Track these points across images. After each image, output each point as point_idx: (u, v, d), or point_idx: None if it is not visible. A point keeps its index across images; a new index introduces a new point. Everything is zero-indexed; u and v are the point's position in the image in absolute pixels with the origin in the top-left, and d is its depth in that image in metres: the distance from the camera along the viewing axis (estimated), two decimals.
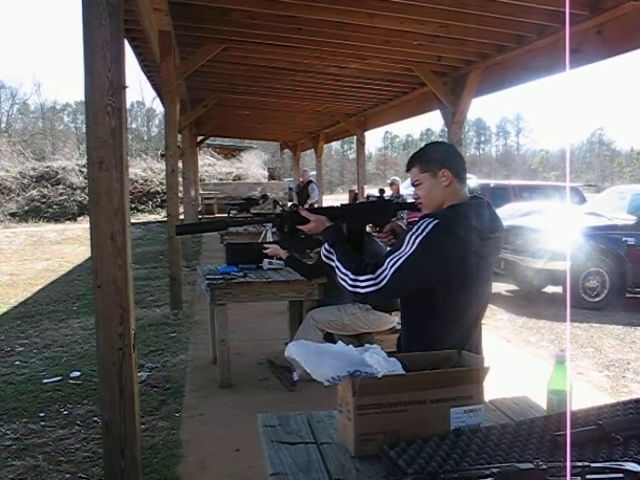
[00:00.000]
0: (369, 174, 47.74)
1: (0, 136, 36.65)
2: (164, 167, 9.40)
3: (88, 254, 10.16)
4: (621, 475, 1.27)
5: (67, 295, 8.61)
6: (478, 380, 1.64)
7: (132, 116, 62.65)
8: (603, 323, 7.31)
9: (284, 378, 4.64)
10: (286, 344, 2.28)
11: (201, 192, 21.74)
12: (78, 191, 23.50)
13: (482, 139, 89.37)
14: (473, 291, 2.15)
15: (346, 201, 19.25)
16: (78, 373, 5.14)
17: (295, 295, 4.93)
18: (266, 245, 5.19)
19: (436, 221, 2.05)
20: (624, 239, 8.12)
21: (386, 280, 2.04)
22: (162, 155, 25.35)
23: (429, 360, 1.76)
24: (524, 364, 5.58)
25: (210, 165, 28.60)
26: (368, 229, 2.55)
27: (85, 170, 20.81)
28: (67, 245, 15.00)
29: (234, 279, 4.81)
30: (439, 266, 2.06)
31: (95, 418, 4.13)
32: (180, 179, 11.13)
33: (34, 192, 23.54)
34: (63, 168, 24.95)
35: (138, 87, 53.97)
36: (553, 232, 8.07)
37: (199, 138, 20.27)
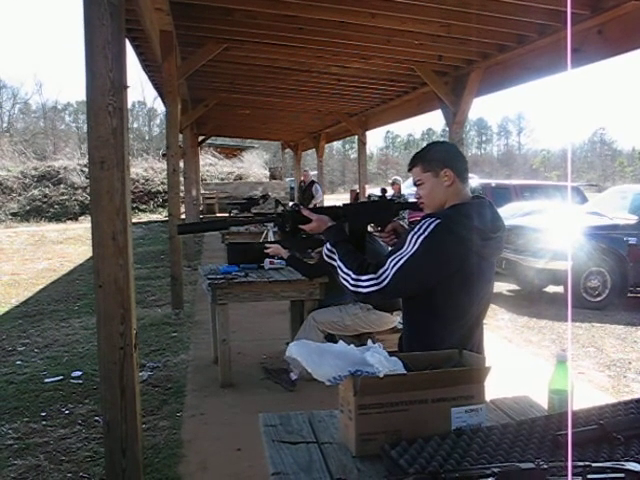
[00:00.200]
0: (370, 174, 47.75)
1: (2, 136, 36.72)
2: (165, 167, 9.41)
3: (89, 254, 10.17)
4: (622, 475, 1.27)
5: (68, 295, 8.62)
6: (479, 380, 1.64)
7: (133, 116, 62.70)
8: (604, 323, 7.30)
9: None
10: (287, 344, 2.28)
11: (202, 192, 21.76)
12: (79, 191, 23.53)
13: (483, 139, 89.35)
14: (475, 291, 2.15)
15: (347, 201, 19.25)
16: (79, 373, 5.14)
17: (296, 295, 4.93)
18: (267, 245, 5.19)
19: (438, 221, 2.05)
20: (625, 239, 8.12)
21: (388, 280, 2.04)
22: (163, 155, 25.35)
23: (430, 360, 1.76)
24: (525, 364, 5.58)
25: (211, 165, 28.62)
26: (370, 229, 2.54)
27: (86, 170, 20.82)
28: (68, 245, 15.01)
29: (235, 279, 4.81)
30: (441, 266, 2.06)
31: (96, 417, 4.13)
32: (181, 179, 11.13)
33: (35, 192, 23.57)
34: (64, 168, 24.97)
35: (139, 87, 54.15)
36: (554, 232, 8.07)
37: (200, 138, 20.28)
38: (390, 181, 14.18)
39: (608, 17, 5.40)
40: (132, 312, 2.83)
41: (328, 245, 2.24)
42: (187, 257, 10.90)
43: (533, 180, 25.72)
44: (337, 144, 69.14)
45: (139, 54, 9.03)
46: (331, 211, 2.37)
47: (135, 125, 62.12)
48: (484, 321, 2.30)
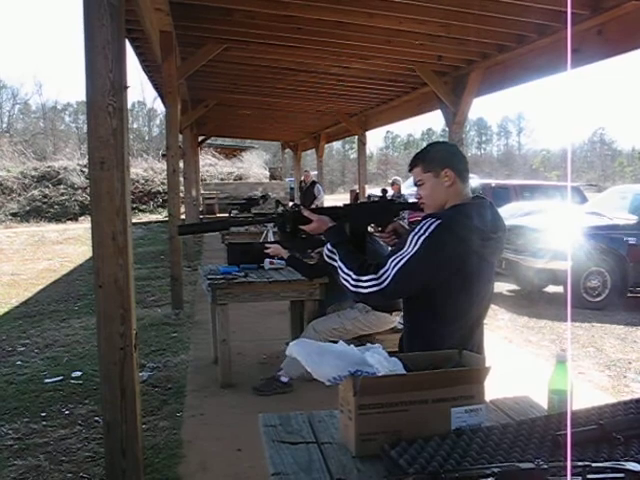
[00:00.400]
0: (370, 174, 47.76)
1: (1, 136, 36.70)
2: (165, 167, 9.40)
3: (89, 254, 10.16)
4: (622, 475, 1.27)
5: (68, 295, 8.62)
6: (479, 380, 1.64)
7: (133, 116, 62.70)
8: (604, 323, 7.31)
9: (276, 388, 4.59)
10: (287, 344, 2.28)
11: (202, 192, 21.76)
12: (79, 191, 23.52)
13: (483, 139, 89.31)
14: (475, 291, 2.15)
15: (347, 201, 19.25)
16: (79, 373, 5.14)
17: (296, 295, 4.93)
18: (267, 245, 5.19)
19: (439, 221, 2.05)
20: (625, 239, 8.12)
21: (388, 280, 2.04)
22: (163, 155, 25.35)
23: (430, 360, 1.76)
24: (525, 364, 5.58)
25: (211, 165, 28.62)
26: (370, 229, 2.54)
27: (86, 170, 20.83)
28: (68, 245, 15.01)
29: (235, 279, 4.82)
30: (442, 266, 2.06)
31: (96, 418, 4.13)
32: (181, 179, 11.14)
33: (35, 192, 23.56)
34: (64, 168, 24.97)
35: (139, 87, 54.02)
36: (554, 232, 8.07)
37: (200, 138, 20.29)
38: (390, 181, 14.18)
39: (608, 17, 5.40)
40: (132, 312, 2.83)
41: (329, 246, 2.24)
42: (187, 257, 10.91)
43: (533, 180, 25.72)
44: (337, 144, 69.18)
45: (139, 54, 9.04)
46: (332, 211, 2.37)
47: (135, 125, 62.13)
48: (484, 321, 2.30)
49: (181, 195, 10.68)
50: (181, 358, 5.55)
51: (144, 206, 24.57)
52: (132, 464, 2.86)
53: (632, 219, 8.30)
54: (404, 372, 1.65)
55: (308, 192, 15.19)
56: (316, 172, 19.38)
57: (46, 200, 23.31)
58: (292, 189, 24.10)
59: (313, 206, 10.48)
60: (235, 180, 27.15)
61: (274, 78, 10.16)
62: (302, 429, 1.74)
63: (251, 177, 27.94)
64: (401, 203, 2.64)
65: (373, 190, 18.30)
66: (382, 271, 2.06)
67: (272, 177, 28.99)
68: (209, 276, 4.88)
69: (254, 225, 8.99)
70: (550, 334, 6.79)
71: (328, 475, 1.47)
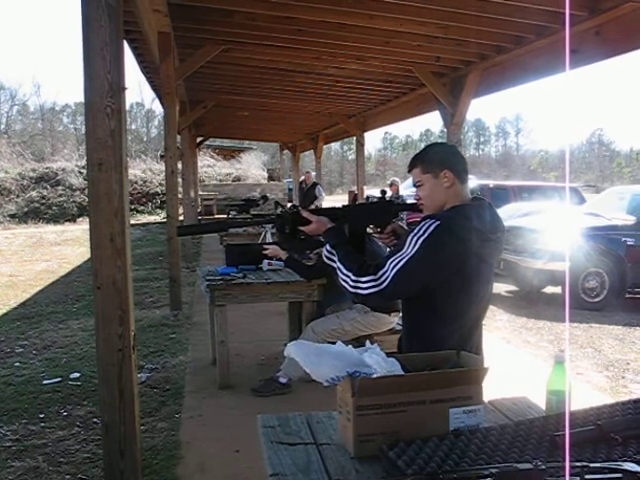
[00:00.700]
0: (368, 175, 47.77)
1: (0, 137, 36.66)
2: (163, 168, 9.42)
3: (87, 255, 10.14)
4: (620, 475, 1.28)
5: (66, 296, 8.61)
6: (477, 380, 1.65)
7: (131, 117, 62.67)
8: (602, 323, 7.31)
9: (275, 389, 4.59)
10: (285, 345, 2.28)
11: (201, 193, 21.74)
12: (77, 192, 23.50)
13: (481, 140, 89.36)
14: (474, 292, 2.16)
15: (346, 202, 19.26)
16: (78, 374, 5.14)
17: (294, 296, 4.93)
18: (266, 246, 5.19)
19: (438, 222, 2.05)
20: (623, 239, 8.13)
21: (387, 281, 2.04)
22: (161, 156, 25.34)
23: (428, 361, 1.77)
24: (523, 364, 5.58)
25: (209, 166, 28.60)
26: (369, 230, 2.55)
27: (84, 171, 20.79)
28: (66, 246, 15.00)
29: (234, 280, 4.82)
30: (441, 267, 2.06)
31: (95, 419, 4.13)
32: (179, 180, 11.13)
33: (33, 193, 23.55)
34: (62, 169, 24.95)
35: (137, 88, 54.08)
36: (552, 233, 8.07)
37: (198, 139, 20.27)
38: (388, 182, 14.19)
39: (606, 18, 5.41)
40: (130, 314, 2.83)
41: (328, 247, 2.24)
42: (185, 258, 10.90)
43: (531, 181, 25.75)
44: (335, 145, 69.21)
45: (137, 55, 9.03)
46: (331, 212, 2.37)
47: (133, 126, 62.10)
48: (483, 322, 2.30)
49: (179, 196, 10.67)
50: (179, 359, 5.55)
51: (142, 207, 24.56)
52: (130, 465, 2.85)
53: (630, 220, 8.30)
54: (402, 373, 1.65)
55: (309, 193, 15.17)
56: (314, 173, 19.39)
57: (44, 201, 23.29)
58: (290, 190, 24.09)
59: (313, 206, 10.47)
60: (233, 181, 27.13)
61: (273, 79, 10.16)
62: (300, 430, 1.74)
63: (249, 178, 27.93)
64: (400, 204, 2.64)
65: (372, 191, 18.30)
66: (381, 272, 2.06)
67: (270, 178, 28.96)
68: (207, 277, 4.88)
69: (252, 226, 8.99)
70: (548, 335, 6.80)
71: (326, 476, 1.47)
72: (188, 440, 3.86)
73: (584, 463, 1.30)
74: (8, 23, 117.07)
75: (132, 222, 14.01)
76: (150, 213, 24.31)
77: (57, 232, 18.18)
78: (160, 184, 24.51)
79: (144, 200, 24.91)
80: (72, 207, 23.10)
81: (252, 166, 29.85)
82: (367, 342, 1.81)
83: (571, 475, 1.24)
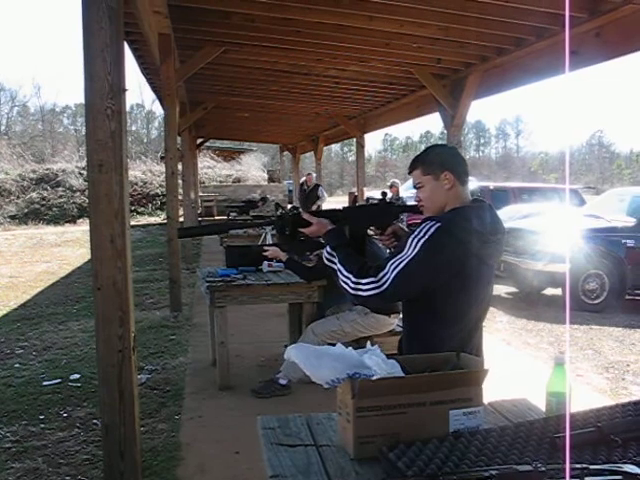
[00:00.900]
0: (369, 176, 47.75)
1: (0, 139, 36.68)
2: (164, 169, 9.42)
3: (87, 256, 10.12)
4: (620, 477, 1.28)
5: (67, 297, 8.61)
6: (477, 382, 1.65)
7: (132, 118, 62.68)
8: (602, 325, 7.31)
9: (275, 390, 4.58)
10: (285, 346, 2.29)
11: (201, 194, 21.75)
12: (78, 193, 23.50)
13: (482, 141, 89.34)
14: (474, 294, 2.16)
15: (346, 203, 19.27)
16: (78, 375, 5.13)
17: (294, 297, 4.93)
18: (266, 247, 5.19)
19: (438, 224, 2.05)
20: (623, 241, 8.12)
21: (388, 283, 2.04)
22: (162, 157, 25.36)
23: (428, 362, 1.76)
24: (523, 366, 5.58)
25: (210, 167, 28.60)
26: (369, 231, 2.55)
27: (85, 172, 20.80)
28: (67, 247, 15.00)
29: (234, 281, 4.82)
30: (441, 269, 2.06)
31: (95, 420, 4.13)
32: (180, 181, 11.13)
33: (34, 194, 23.55)
34: (63, 170, 24.96)
35: (138, 89, 54.11)
36: (553, 234, 8.07)
37: (199, 140, 20.29)
38: (388, 184, 14.19)
39: (606, 20, 5.42)
40: (130, 315, 2.83)
41: (328, 248, 2.24)
42: (185, 260, 10.90)
43: (531, 183, 25.75)
44: (335, 147, 69.14)
45: (137, 57, 9.04)
46: (331, 214, 2.37)
47: (133, 128, 62.10)
48: (483, 324, 2.30)
49: (179, 198, 10.67)
50: (179, 361, 5.55)
51: (142, 208, 24.55)
52: (130, 466, 2.86)
53: (630, 221, 8.30)
54: (402, 374, 1.65)
55: (312, 194, 15.17)
56: (315, 175, 19.41)
57: (44, 202, 23.29)
58: (290, 191, 24.11)
59: (315, 207, 10.48)
60: (233, 182, 27.14)
61: (273, 81, 10.18)
62: (300, 431, 1.74)
63: (249, 180, 27.93)
64: (401, 206, 2.65)
65: (372, 192, 18.31)
66: (382, 274, 2.06)
67: (270, 180, 28.96)
68: (207, 278, 4.88)
69: (253, 228, 8.99)
70: (548, 336, 6.79)
71: (326, 477, 1.47)
72: (188, 441, 3.86)
73: (584, 465, 1.30)
74: (8, 24, 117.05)
75: (132, 223, 14.01)
76: (150, 214, 24.31)
77: (57, 233, 18.18)
78: (160, 185, 24.52)
79: (144, 201, 24.90)
80: (72, 208, 23.10)
81: (252, 167, 29.86)
82: (368, 344, 1.81)
83: (571, 477, 1.24)
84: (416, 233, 2.06)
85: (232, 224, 6.54)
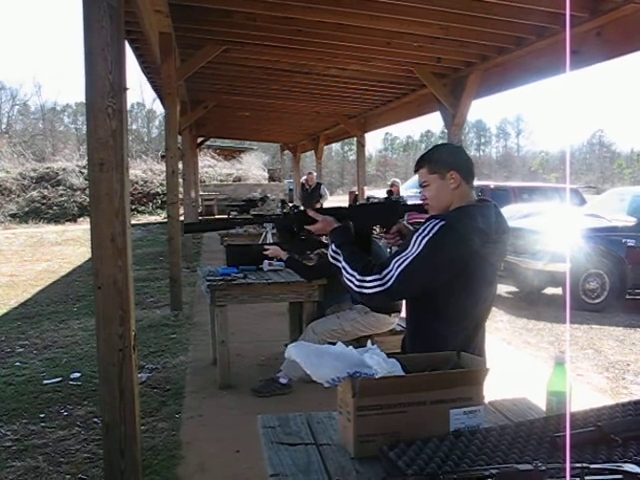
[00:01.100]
0: (369, 175, 47.76)
1: (0, 137, 36.69)
2: (164, 168, 9.41)
3: (88, 255, 10.13)
4: (620, 476, 1.28)
5: (67, 296, 8.61)
6: (478, 381, 1.65)
7: (132, 117, 62.67)
8: (603, 325, 7.31)
9: (275, 389, 4.59)
10: (286, 345, 2.29)
11: (201, 193, 21.77)
12: (78, 192, 23.51)
13: (482, 141, 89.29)
14: (477, 293, 2.16)
15: (346, 202, 19.24)
16: (78, 374, 5.14)
17: (295, 296, 4.93)
18: (266, 246, 5.19)
19: (443, 222, 2.05)
20: (624, 241, 8.12)
21: (392, 281, 2.04)
22: (162, 156, 25.35)
23: (429, 361, 1.77)
24: (524, 365, 5.58)
25: (210, 166, 28.61)
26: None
27: (85, 171, 20.83)
28: (67, 246, 15.00)
29: (234, 280, 4.82)
30: (445, 267, 2.06)
31: (95, 419, 4.13)
32: (180, 180, 11.14)
33: (34, 193, 23.55)
34: (63, 169, 24.96)
35: (138, 88, 54.11)
36: (553, 234, 8.07)
37: (199, 139, 20.28)
38: (389, 183, 14.19)
39: (607, 19, 5.41)
40: (131, 313, 2.83)
41: (333, 246, 2.25)
42: (186, 258, 10.90)
43: (532, 182, 25.75)
44: (336, 146, 69.13)
45: (138, 56, 9.04)
46: (336, 212, 2.38)
47: (134, 127, 62.09)
48: (485, 323, 2.30)
49: (180, 196, 10.67)
50: (180, 359, 5.55)
51: (143, 207, 24.57)
52: (131, 465, 2.86)
53: (631, 221, 8.30)
54: (403, 374, 1.65)
55: (314, 193, 15.15)
56: (315, 174, 19.39)
57: (45, 201, 23.30)
58: (291, 190, 24.10)
59: (318, 205, 10.45)
60: (234, 181, 27.15)
61: (273, 80, 10.18)
62: (301, 430, 1.74)
63: (250, 178, 27.94)
64: (407, 204, 2.64)
65: (372, 192, 18.30)
66: (386, 271, 2.06)
67: (271, 179, 28.97)
68: (208, 277, 4.88)
69: (254, 226, 8.98)
70: (549, 336, 6.79)
71: (327, 476, 1.47)
72: (188, 440, 3.86)
73: (584, 464, 1.30)
74: (9, 23, 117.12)
75: (133, 222, 14.01)
76: (151, 213, 24.32)
77: (58, 232, 18.18)
78: (161, 184, 24.52)
79: (145, 200, 24.91)
80: (73, 207, 23.10)
81: (253, 166, 29.87)
82: (368, 342, 1.81)
83: (571, 476, 1.24)
84: (420, 231, 2.06)
85: (237, 221, 6.53)
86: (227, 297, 4.72)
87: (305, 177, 16.69)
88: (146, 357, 5.59)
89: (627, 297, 8.34)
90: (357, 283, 2.11)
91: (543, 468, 1.27)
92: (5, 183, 23.93)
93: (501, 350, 6.02)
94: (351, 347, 1.70)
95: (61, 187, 23.98)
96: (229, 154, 30.86)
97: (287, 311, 5.58)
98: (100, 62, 2.67)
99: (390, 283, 2.04)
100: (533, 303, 8.45)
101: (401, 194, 13.39)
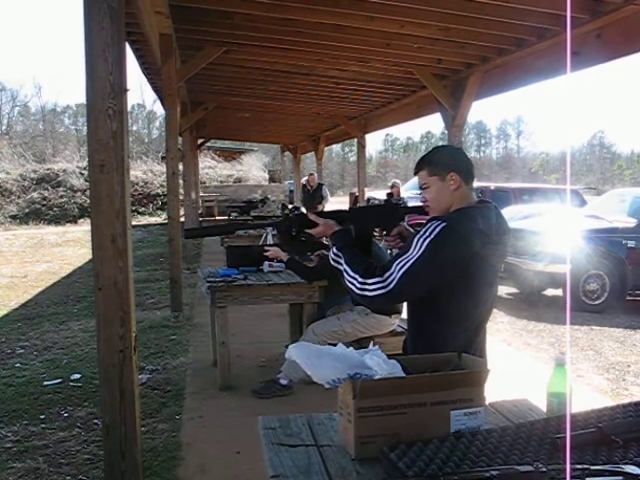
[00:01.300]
0: (369, 177, 47.74)
1: (1, 138, 36.71)
2: (165, 170, 9.42)
3: (88, 256, 10.11)
4: (621, 478, 1.28)
5: (67, 297, 8.61)
6: (478, 383, 1.65)
7: (133, 118, 62.66)
8: (603, 326, 7.31)
9: (275, 390, 4.58)
10: (286, 346, 2.29)
11: (202, 194, 21.75)
12: (79, 193, 23.49)
13: (482, 142, 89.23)
14: (478, 294, 2.16)
15: (347, 204, 19.25)
16: (78, 375, 5.14)
17: (295, 298, 4.93)
18: (267, 247, 5.19)
19: (444, 224, 2.05)
20: (624, 242, 8.12)
21: (394, 283, 2.04)
22: (163, 157, 25.36)
23: (429, 363, 1.77)
24: (524, 367, 5.58)
25: (210, 167, 28.60)
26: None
27: (86, 172, 20.83)
28: (67, 247, 15.00)
29: (234, 281, 4.82)
30: (446, 269, 2.06)
31: (95, 420, 4.13)
32: (181, 181, 11.13)
33: (35, 194, 23.54)
34: (64, 170, 24.95)
35: (139, 89, 54.13)
36: (553, 235, 8.07)
37: (200, 141, 20.30)
38: (389, 184, 14.18)
39: (607, 21, 5.42)
40: (131, 315, 2.83)
41: (334, 249, 2.25)
42: (186, 260, 10.90)
43: (532, 183, 25.75)
44: (336, 147, 69.06)
45: (139, 57, 9.05)
46: (337, 215, 2.38)
47: (134, 128, 62.05)
48: (486, 325, 2.30)
49: (180, 198, 10.67)
50: (180, 361, 5.55)
51: (143, 208, 24.55)
52: (131, 466, 2.86)
53: (631, 222, 8.31)
54: (403, 375, 1.65)
55: (316, 194, 15.14)
56: (316, 175, 19.38)
57: (45, 202, 23.29)
58: (291, 192, 24.09)
59: (321, 207, 10.47)
60: (234, 183, 27.12)
61: (273, 81, 10.18)
62: (301, 432, 1.74)
63: (250, 180, 27.92)
64: (407, 207, 2.64)
65: (373, 193, 18.29)
66: (388, 274, 2.06)
67: (271, 180, 28.94)
68: (208, 279, 4.88)
69: (257, 228, 8.98)
70: (549, 337, 6.79)
71: (327, 477, 1.47)
72: (189, 441, 3.86)
73: (585, 466, 1.30)
74: (9, 24, 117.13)
75: (133, 223, 13.99)
76: (151, 214, 24.31)
77: (58, 233, 18.18)
78: (161, 185, 24.51)
79: (145, 201, 24.90)
80: (73, 208, 23.10)
81: (253, 167, 29.85)
82: (370, 344, 1.81)
83: (572, 477, 1.24)
84: (422, 233, 2.06)
85: (238, 225, 6.53)
86: (227, 298, 4.72)
87: (306, 178, 16.67)
88: (146, 358, 5.59)
89: (627, 298, 8.34)
90: (359, 286, 2.11)
91: (544, 469, 1.27)
92: (5, 184, 23.93)
93: (502, 351, 6.02)
94: (351, 348, 1.70)
95: (61, 188, 23.98)
96: (229, 155, 30.85)
97: (287, 312, 5.58)
98: (101, 63, 2.68)
99: (392, 285, 2.04)
100: (533, 304, 8.44)
101: (401, 195, 13.39)
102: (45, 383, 4.98)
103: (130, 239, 2.84)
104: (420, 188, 2.29)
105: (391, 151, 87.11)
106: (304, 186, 16.61)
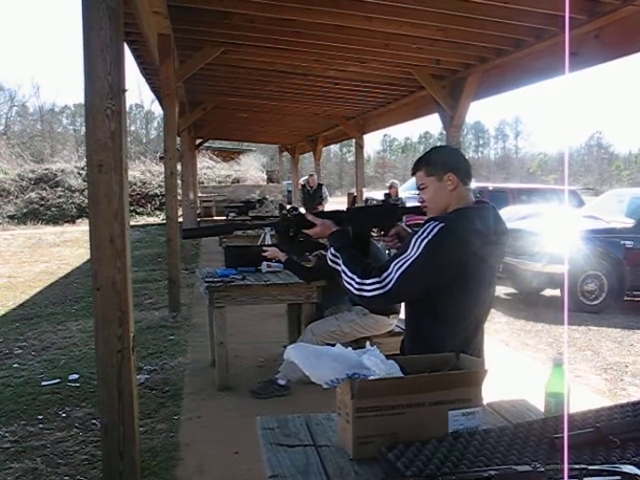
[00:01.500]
0: (368, 177, 47.68)
1: None
2: (163, 170, 9.41)
3: (86, 256, 10.11)
4: (618, 477, 1.28)
5: (65, 297, 8.60)
6: (476, 383, 1.65)
7: (131, 118, 62.56)
8: (601, 326, 7.32)
9: (274, 390, 4.59)
10: (284, 346, 2.29)
11: (200, 195, 21.73)
12: (77, 193, 23.49)
13: (481, 142, 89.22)
14: (476, 294, 2.16)
15: (345, 204, 19.26)
16: (77, 376, 5.13)
17: (293, 298, 4.93)
18: (265, 248, 5.19)
19: (441, 224, 2.05)
20: (622, 242, 8.13)
21: (392, 283, 2.04)
22: (161, 158, 25.34)
23: (427, 363, 1.77)
24: (522, 367, 5.59)
25: (209, 168, 28.58)
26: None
27: (84, 172, 20.82)
28: (65, 247, 14.99)
29: (233, 282, 4.81)
30: (444, 269, 2.06)
31: (94, 421, 4.13)
32: (179, 182, 11.12)
33: (33, 194, 23.53)
34: (62, 170, 24.94)
35: (137, 90, 54.04)
36: (551, 235, 8.08)
37: (198, 141, 20.28)
38: (387, 184, 14.18)
39: (605, 21, 5.43)
40: (130, 315, 2.83)
41: (332, 250, 2.25)
42: (184, 260, 10.88)
43: (530, 184, 25.76)
44: (334, 147, 69.02)
45: (137, 57, 9.04)
46: (335, 215, 2.38)
47: (132, 128, 61.92)
48: (484, 325, 2.30)
49: (179, 198, 10.66)
50: (178, 361, 5.55)
51: (141, 209, 24.54)
52: (129, 467, 2.86)
53: (629, 223, 8.32)
54: (401, 375, 1.65)
55: (316, 194, 15.13)
56: (316, 176, 19.37)
57: (43, 202, 23.28)
58: (289, 192, 24.08)
59: (321, 207, 10.50)
60: (233, 183, 27.10)
61: (272, 81, 10.18)
62: (300, 432, 1.74)
63: (248, 180, 27.89)
64: (405, 207, 2.65)
65: (371, 193, 18.29)
66: (385, 274, 2.06)
67: (270, 180, 28.92)
68: (206, 279, 4.88)
69: (256, 228, 8.96)
70: (547, 337, 6.80)
71: (326, 478, 1.47)
72: (187, 442, 3.86)
73: (583, 465, 1.30)
74: (8, 24, 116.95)
75: (131, 223, 13.98)
76: (149, 214, 24.29)
77: (56, 233, 18.16)
78: (159, 186, 24.50)
79: (143, 202, 24.89)
80: (71, 208, 23.09)
81: (251, 168, 29.83)
82: (367, 344, 1.81)
83: (570, 477, 1.24)
84: (419, 233, 2.06)
85: (237, 225, 6.53)
86: (226, 298, 4.72)
87: (306, 178, 16.66)
88: (144, 358, 5.59)
89: (625, 298, 8.34)
90: (357, 286, 2.11)
91: (542, 469, 1.27)
92: (3, 184, 23.91)
93: (500, 351, 6.03)
94: (350, 348, 1.70)
95: (59, 188, 23.96)
96: (228, 155, 30.82)
97: (286, 312, 5.58)
98: (99, 63, 2.68)
99: (390, 286, 2.04)
100: (531, 304, 8.45)
101: (399, 195, 13.39)
102: (43, 383, 4.97)
103: (128, 239, 2.83)
104: (418, 188, 2.29)
105: (389, 151, 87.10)
106: (304, 187, 16.60)
